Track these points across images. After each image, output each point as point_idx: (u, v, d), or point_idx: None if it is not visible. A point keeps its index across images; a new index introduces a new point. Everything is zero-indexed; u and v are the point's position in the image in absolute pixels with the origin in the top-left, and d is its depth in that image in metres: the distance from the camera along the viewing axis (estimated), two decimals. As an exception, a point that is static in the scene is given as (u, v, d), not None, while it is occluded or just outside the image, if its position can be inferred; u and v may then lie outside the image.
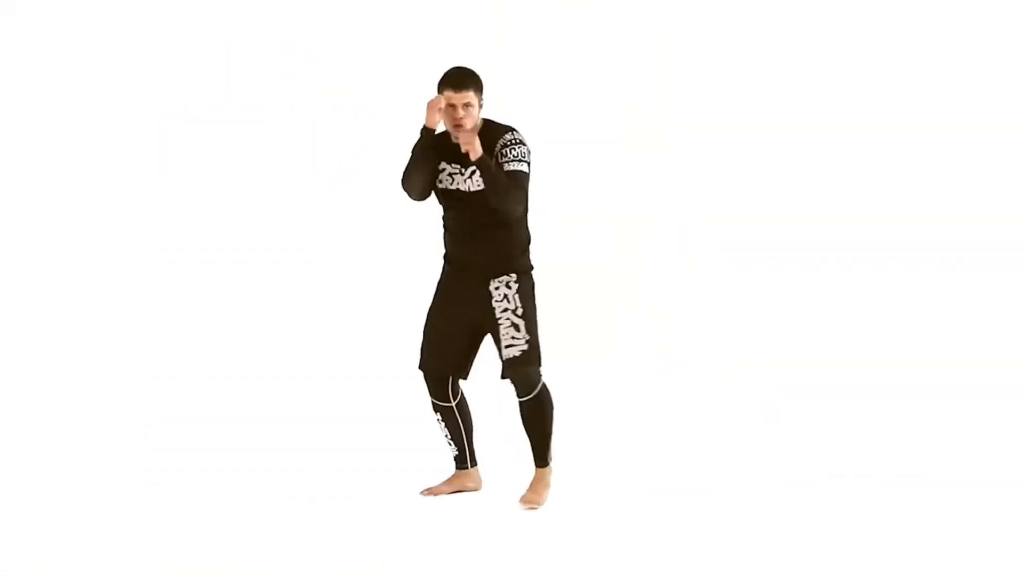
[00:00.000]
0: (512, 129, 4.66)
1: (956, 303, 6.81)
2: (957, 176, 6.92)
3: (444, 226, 4.81)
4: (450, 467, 4.98)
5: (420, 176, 4.66)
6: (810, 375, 6.59)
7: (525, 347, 4.67)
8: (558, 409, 4.79)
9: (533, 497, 4.75)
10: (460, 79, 4.61)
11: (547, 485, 4.80)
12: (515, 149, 4.61)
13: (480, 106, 4.64)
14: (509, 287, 4.69)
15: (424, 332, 4.84)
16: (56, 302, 6.96)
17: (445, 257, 4.84)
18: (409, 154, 4.66)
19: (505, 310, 4.68)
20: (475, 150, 4.53)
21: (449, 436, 4.91)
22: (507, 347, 4.67)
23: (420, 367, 4.86)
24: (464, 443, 4.92)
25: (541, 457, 4.78)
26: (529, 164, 4.62)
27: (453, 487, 4.94)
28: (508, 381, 4.75)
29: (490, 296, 4.68)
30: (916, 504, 4.76)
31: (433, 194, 4.76)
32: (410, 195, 4.72)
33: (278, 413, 6.30)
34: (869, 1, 6.95)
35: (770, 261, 7.01)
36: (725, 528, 4.50)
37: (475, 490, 4.96)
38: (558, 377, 4.90)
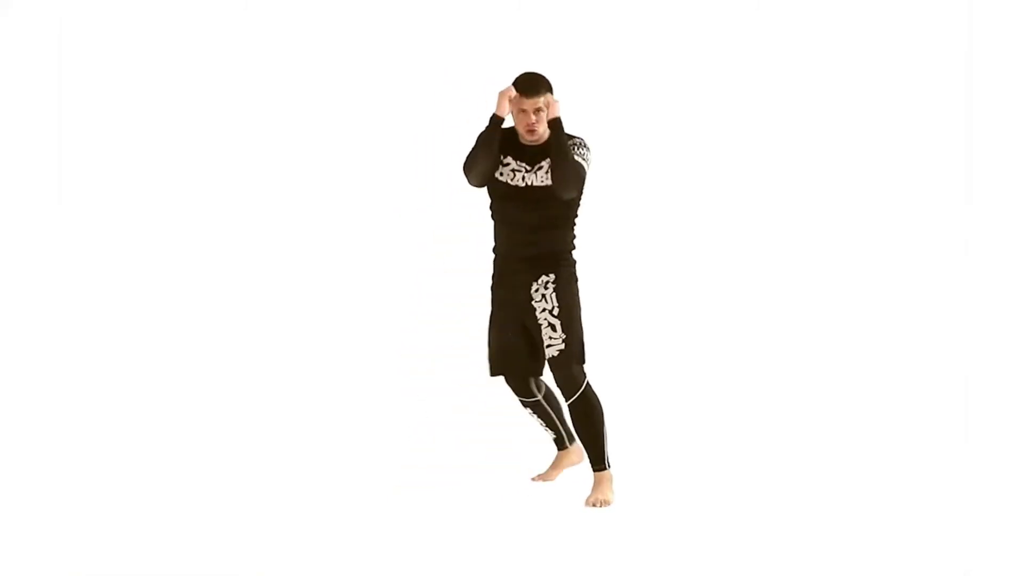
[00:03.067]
0: (580, 137, 4.79)
1: (954, 303, 6.82)
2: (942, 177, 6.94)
3: (496, 222, 4.89)
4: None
5: (485, 162, 4.73)
6: (814, 374, 6.60)
7: (562, 346, 4.78)
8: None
9: (601, 496, 4.78)
10: (534, 84, 4.71)
11: (609, 489, 4.81)
12: (581, 150, 4.75)
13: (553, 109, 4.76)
14: (547, 287, 4.81)
15: (489, 339, 4.96)
16: (48, 301, 6.95)
17: (495, 251, 4.93)
18: (475, 140, 4.75)
19: (543, 310, 4.80)
20: (547, 130, 4.70)
21: (544, 424, 5.09)
22: (547, 347, 4.80)
23: (494, 374, 4.96)
24: (559, 427, 5.10)
25: (597, 460, 4.82)
26: (588, 165, 4.77)
27: (560, 467, 5.15)
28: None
29: (531, 298, 4.80)
30: (916, 503, 4.77)
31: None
32: (470, 180, 4.78)
33: (280, 412, 6.31)
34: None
35: (768, 260, 7.02)
36: (733, 528, 4.50)
37: (579, 463, 5.13)
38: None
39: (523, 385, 4.99)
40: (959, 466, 5.35)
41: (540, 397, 5.03)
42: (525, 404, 5.03)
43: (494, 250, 4.93)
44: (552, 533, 4.48)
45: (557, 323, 4.78)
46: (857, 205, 6.96)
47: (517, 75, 4.76)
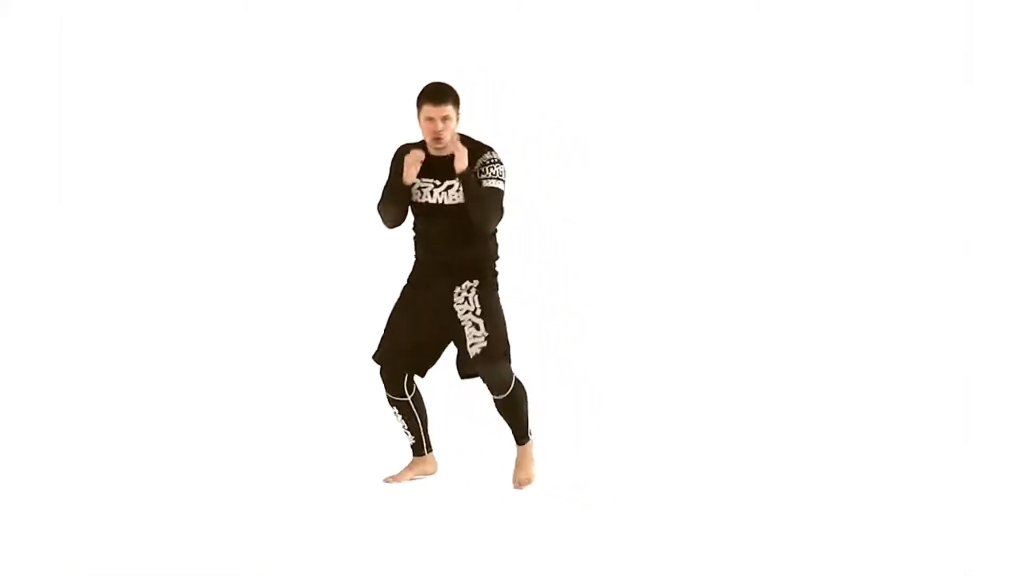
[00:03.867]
0: (491, 149, 4.90)
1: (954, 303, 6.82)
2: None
3: (416, 232, 5.02)
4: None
5: (395, 210, 4.92)
6: (814, 374, 6.61)
7: (485, 343, 4.87)
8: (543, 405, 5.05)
9: (524, 476, 5.01)
10: (440, 93, 4.83)
11: (532, 459, 5.04)
12: (494, 168, 4.86)
13: (457, 120, 4.86)
14: (470, 292, 4.91)
15: (385, 328, 5.04)
16: (48, 301, 6.95)
17: (416, 259, 5.06)
18: (383, 187, 4.94)
19: (466, 312, 4.90)
20: (463, 165, 4.80)
21: (406, 427, 5.11)
22: (471, 345, 4.88)
23: (377, 360, 5.04)
24: (420, 433, 5.12)
25: (522, 436, 5.02)
26: (504, 183, 4.88)
27: (413, 472, 5.14)
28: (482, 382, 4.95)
29: (452, 302, 4.91)
30: (916, 503, 4.77)
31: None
32: (385, 224, 4.98)
33: (279, 412, 6.31)
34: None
35: (762, 260, 7.02)
36: (733, 528, 4.50)
37: (432, 474, 5.17)
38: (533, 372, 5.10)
39: (398, 381, 5.01)
40: (959, 466, 5.35)
41: (409, 398, 5.06)
42: (393, 403, 5.05)
43: (416, 258, 5.04)
44: (547, 532, 4.48)
45: (480, 322, 4.89)
46: (857, 205, 6.96)
47: (425, 84, 4.86)
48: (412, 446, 5.14)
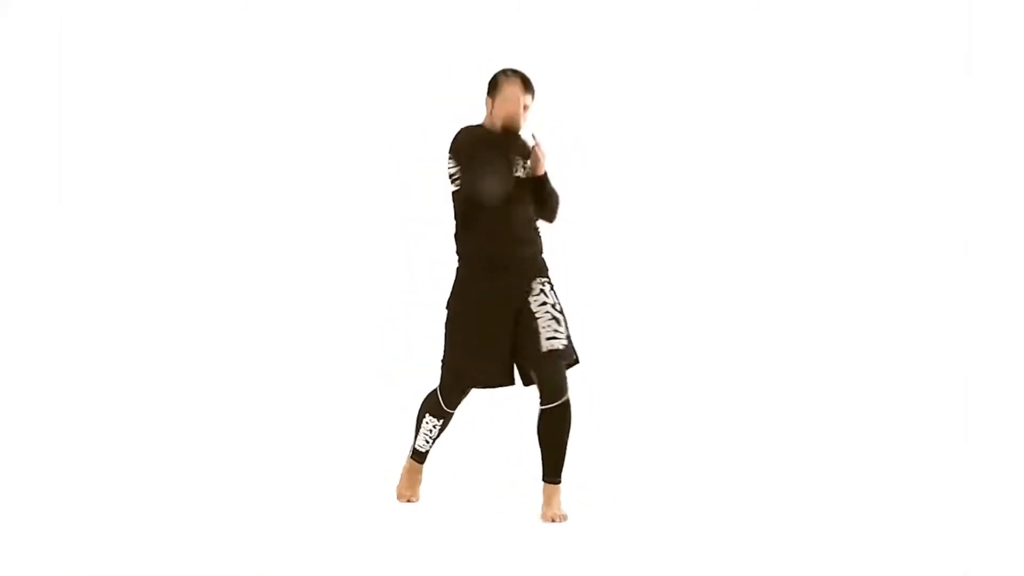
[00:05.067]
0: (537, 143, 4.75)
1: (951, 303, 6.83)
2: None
3: (476, 228, 4.65)
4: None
5: (502, 177, 4.60)
6: (813, 374, 6.61)
7: (566, 341, 4.60)
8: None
9: (557, 511, 4.59)
10: (530, 83, 4.71)
11: (559, 499, 4.62)
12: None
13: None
14: (544, 286, 4.67)
15: (462, 342, 4.67)
16: (48, 301, 6.96)
17: (468, 257, 4.70)
18: (470, 155, 4.61)
19: (544, 304, 4.63)
20: (542, 168, 4.69)
21: (429, 439, 4.83)
22: (547, 339, 4.58)
23: (459, 379, 4.69)
24: (432, 445, 4.87)
25: (555, 472, 4.58)
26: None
27: (415, 480, 4.90)
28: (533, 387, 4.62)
29: (530, 291, 4.64)
30: (916, 503, 4.77)
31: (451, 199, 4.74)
32: (492, 199, 4.59)
33: (278, 411, 6.32)
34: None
35: (761, 260, 7.03)
36: (732, 528, 4.51)
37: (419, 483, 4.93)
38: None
39: (460, 396, 4.76)
40: (959, 466, 5.35)
41: (453, 413, 4.80)
42: (441, 415, 4.77)
43: (466, 257, 4.70)
44: (547, 532, 4.48)
45: (561, 318, 4.64)
46: (857, 205, 6.97)
47: (512, 69, 4.73)
48: (422, 453, 4.87)
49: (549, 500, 4.60)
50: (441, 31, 7.02)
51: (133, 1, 7.05)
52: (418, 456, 4.88)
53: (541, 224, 4.79)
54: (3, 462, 5.44)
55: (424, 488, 4.99)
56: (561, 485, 4.62)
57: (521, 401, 5.22)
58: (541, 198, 4.71)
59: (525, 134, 4.75)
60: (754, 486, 5.05)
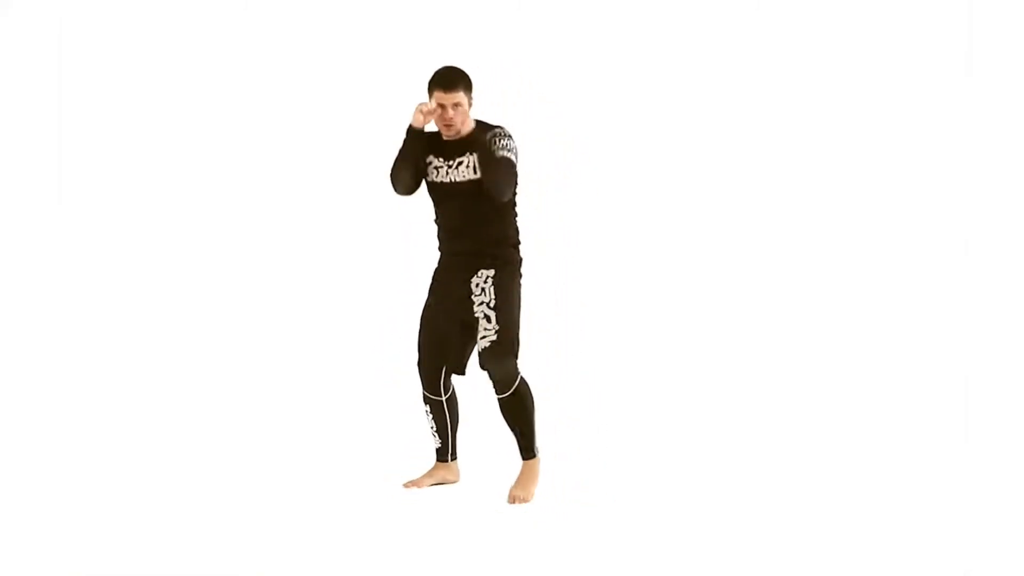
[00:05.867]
0: (501, 126, 4.80)
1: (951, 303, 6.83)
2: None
3: (435, 222, 4.95)
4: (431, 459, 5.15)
5: (406, 172, 4.82)
6: (813, 374, 6.61)
7: (495, 337, 4.77)
8: (543, 404, 4.87)
9: (521, 493, 4.83)
10: (450, 79, 4.74)
11: (534, 478, 4.89)
12: (503, 140, 4.74)
13: (470, 105, 4.79)
14: (486, 281, 4.81)
15: (419, 326, 4.98)
16: (48, 301, 6.96)
17: (439, 250, 4.98)
18: (396, 152, 4.84)
19: (481, 303, 4.80)
20: (468, 127, 4.75)
21: (435, 428, 5.04)
22: (480, 338, 4.79)
23: (419, 360, 4.98)
24: (448, 437, 5.05)
25: (527, 449, 4.89)
26: (516, 156, 4.77)
27: (434, 479, 5.07)
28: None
29: (470, 292, 4.81)
30: (916, 503, 4.77)
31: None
32: (396, 190, 4.87)
33: (277, 411, 6.32)
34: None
35: (761, 260, 7.03)
36: (732, 528, 4.51)
37: (454, 482, 5.09)
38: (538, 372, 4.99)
39: (435, 378, 4.96)
40: (959, 466, 5.35)
41: (443, 399, 4.99)
42: (427, 400, 5.00)
43: (439, 250, 4.97)
44: (547, 532, 4.48)
45: (492, 315, 4.78)
46: (857, 205, 6.97)
47: (436, 69, 4.78)
48: (437, 450, 5.07)
49: (519, 478, 4.87)
50: (441, 31, 7.02)
51: (133, 1, 7.05)
52: (438, 454, 5.08)
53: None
54: (3, 462, 5.44)
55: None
56: (536, 462, 4.88)
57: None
58: (480, 165, 4.73)
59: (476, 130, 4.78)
60: (754, 486, 5.05)
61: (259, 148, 7.12)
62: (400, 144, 4.83)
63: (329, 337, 7.01)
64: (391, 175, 4.83)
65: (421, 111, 4.73)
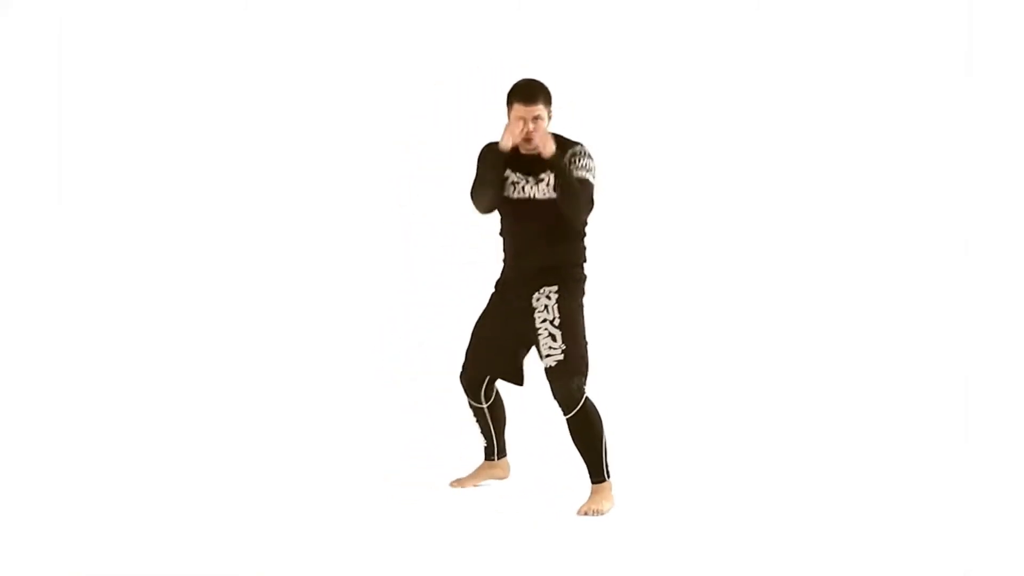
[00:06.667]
0: (580, 143, 4.69)
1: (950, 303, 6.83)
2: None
3: (503, 235, 4.83)
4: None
5: (491, 191, 4.68)
6: (814, 375, 6.61)
7: (561, 356, 4.64)
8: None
9: (593, 506, 4.67)
10: (530, 92, 4.64)
11: (607, 499, 4.69)
12: (583, 160, 4.65)
13: (549, 119, 4.68)
14: (549, 298, 4.70)
15: (471, 335, 4.91)
16: (48, 301, 6.95)
17: (504, 263, 4.87)
18: (476, 167, 4.72)
19: (544, 320, 4.69)
20: (549, 150, 4.59)
21: (481, 430, 5.04)
22: (545, 357, 4.68)
23: (464, 367, 4.93)
24: (493, 438, 5.05)
25: (595, 473, 4.70)
26: (595, 177, 4.68)
27: (481, 477, 5.07)
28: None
29: (533, 307, 4.71)
30: (916, 503, 4.77)
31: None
32: (479, 209, 4.75)
33: (277, 411, 6.32)
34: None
35: (761, 261, 7.03)
36: (733, 528, 4.51)
37: (503, 478, 5.10)
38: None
39: (476, 387, 4.92)
40: (959, 466, 5.35)
41: (485, 406, 4.97)
42: (470, 406, 4.99)
43: (503, 260, 4.88)
44: (547, 532, 4.48)
45: (558, 333, 4.67)
46: (857, 205, 6.97)
47: (516, 82, 4.70)
48: (484, 449, 5.08)
49: (591, 497, 4.70)
50: (440, 31, 7.02)
51: (133, 1, 7.05)
52: (485, 452, 5.08)
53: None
54: (3, 462, 5.44)
55: (424, 489, 5.01)
56: (607, 486, 4.70)
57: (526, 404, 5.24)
58: (557, 188, 4.63)
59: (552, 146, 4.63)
60: (756, 486, 5.05)
61: (259, 148, 7.12)
62: (482, 162, 4.69)
63: (329, 337, 7.00)
64: (472, 194, 4.71)
65: (512, 133, 4.62)
